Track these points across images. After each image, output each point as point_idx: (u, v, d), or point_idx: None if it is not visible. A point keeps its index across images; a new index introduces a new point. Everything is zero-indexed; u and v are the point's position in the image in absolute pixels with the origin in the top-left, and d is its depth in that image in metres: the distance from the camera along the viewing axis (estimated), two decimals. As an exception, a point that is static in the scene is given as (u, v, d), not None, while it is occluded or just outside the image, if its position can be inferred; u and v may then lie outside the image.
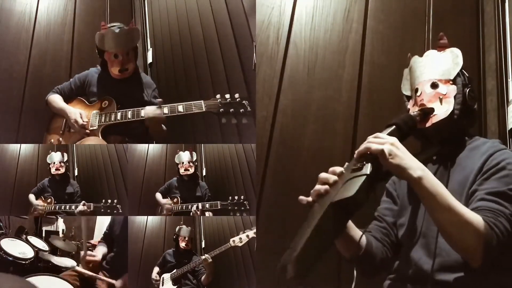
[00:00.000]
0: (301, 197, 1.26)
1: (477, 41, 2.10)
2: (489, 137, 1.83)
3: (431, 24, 2.14)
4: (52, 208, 2.50)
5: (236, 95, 2.07)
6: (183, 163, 2.53)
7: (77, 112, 2.22)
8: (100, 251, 2.41)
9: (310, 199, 1.24)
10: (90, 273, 2.27)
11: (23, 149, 2.76)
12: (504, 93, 1.89)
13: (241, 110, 2.05)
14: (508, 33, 1.94)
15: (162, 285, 2.49)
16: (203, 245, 2.68)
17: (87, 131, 2.19)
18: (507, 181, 1.27)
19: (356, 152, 1.24)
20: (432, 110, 1.43)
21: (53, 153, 2.63)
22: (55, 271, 2.31)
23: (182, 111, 2.09)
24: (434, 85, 1.46)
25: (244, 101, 2.06)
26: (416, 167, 1.20)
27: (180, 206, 2.45)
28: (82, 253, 2.42)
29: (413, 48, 2.06)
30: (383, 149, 1.19)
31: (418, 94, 1.48)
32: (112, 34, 2.19)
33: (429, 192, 1.19)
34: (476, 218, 1.19)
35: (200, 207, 2.37)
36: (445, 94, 1.44)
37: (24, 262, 2.25)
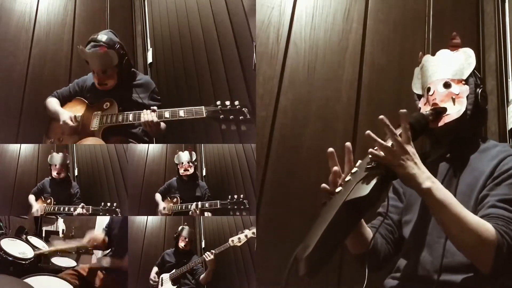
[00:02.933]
0: (324, 185, 1.27)
1: (477, 41, 2.09)
2: (489, 137, 1.83)
3: (431, 24, 2.14)
4: (51, 209, 2.49)
5: (236, 102, 2.08)
6: (182, 163, 2.53)
7: (67, 114, 2.23)
8: (101, 232, 2.42)
9: (327, 187, 1.26)
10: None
11: (23, 149, 2.76)
12: (504, 93, 1.89)
13: (240, 117, 2.07)
14: (508, 33, 1.94)
15: (161, 285, 2.48)
16: (203, 245, 2.68)
17: (77, 132, 2.19)
18: None
19: (369, 152, 1.22)
20: (445, 109, 1.42)
21: (54, 154, 2.62)
22: (55, 271, 2.31)
23: (183, 116, 2.10)
24: (446, 85, 1.46)
25: (244, 109, 2.07)
26: (426, 177, 1.20)
27: (179, 206, 2.45)
28: (86, 236, 2.42)
29: (413, 48, 2.06)
30: (394, 166, 1.19)
31: (431, 93, 1.48)
32: (87, 53, 2.19)
33: (438, 203, 1.19)
34: (486, 227, 1.19)
35: (199, 206, 2.37)
36: (458, 94, 1.44)
37: (24, 262, 2.25)
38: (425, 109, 1.47)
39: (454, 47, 1.53)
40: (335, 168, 1.28)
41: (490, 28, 2.06)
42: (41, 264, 2.40)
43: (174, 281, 2.47)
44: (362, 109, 2.08)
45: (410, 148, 1.21)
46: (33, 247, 2.42)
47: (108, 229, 2.50)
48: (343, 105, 2.10)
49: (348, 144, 1.28)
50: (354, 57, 2.15)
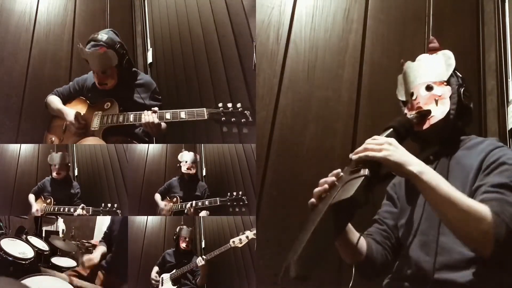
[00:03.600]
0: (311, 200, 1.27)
1: (477, 41, 2.10)
2: (489, 137, 1.83)
3: (431, 24, 2.14)
4: (51, 209, 2.49)
5: (238, 105, 2.08)
6: (186, 162, 2.53)
7: (73, 113, 2.22)
8: (99, 252, 2.42)
9: (314, 201, 1.26)
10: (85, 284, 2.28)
11: (23, 149, 2.76)
12: (504, 93, 1.89)
13: (242, 120, 2.07)
14: (508, 33, 1.94)
15: (162, 285, 2.49)
16: (203, 245, 2.68)
17: (83, 131, 2.19)
18: (508, 174, 1.28)
19: (352, 157, 1.26)
20: (429, 112, 1.44)
21: (53, 153, 2.60)
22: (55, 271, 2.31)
23: (184, 117, 2.10)
24: (429, 88, 1.49)
25: (245, 111, 2.08)
26: (415, 163, 1.22)
27: (179, 205, 2.45)
28: (84, 258, 2.42)
29: (413, 48, 2.06)
30: (381, 157, 1.21)
31: (414, 98, 1.50)
32: (86, 52, 2.17)
33: (430, 186, 1.20)
34: (481, 207, 1.18)
35: (193, 204, 2.38)
36: (440, 96, 1.46)
37: (24, 262, 2.25)
38: (410, 114, 1.48)
39: (433, 51, 1.56)
40: (326, 186, 1.27)
41: (490, 28, 2.06)
42: (41, 264, 2.40)
43: (174, 281, 2.48)
44: (362, 109, 2.08)
45: (388, 138, 1.26)
46: (33, 247, 2.42)
47: (109, 230, 2.50)
48: (343, 105, 2.10)
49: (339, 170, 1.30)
50: (354, 57, 2.15)
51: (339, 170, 1.29)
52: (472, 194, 1.30)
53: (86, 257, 2.39)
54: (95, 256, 2.39)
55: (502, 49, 1.95)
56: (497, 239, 1.16)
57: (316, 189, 1.27)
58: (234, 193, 2.34)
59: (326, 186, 1.25)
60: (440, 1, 2.17)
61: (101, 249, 2.44)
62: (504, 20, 1.97)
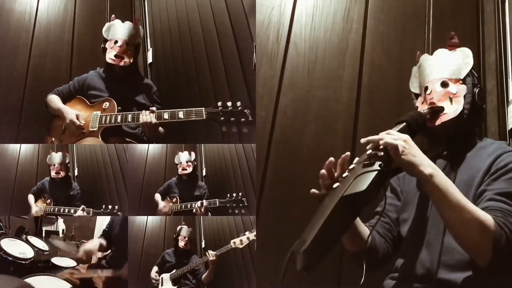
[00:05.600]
0: (313, 190, 1.25)
1: (477, 41, 2.10)
2: (489, 137, 1.83)
3: (431, 24, 2.14)
4: (51, 210, 2.49)
5: (238, 103, 2.07)
6: (181, 163, 2.53)
7: (73, 113, 2.23)
8: (97, 241, 2.40)
9: (321, 192, 1.25)
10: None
11: (23, 149, 2.76)
12: (504, 93, 1.89)
13: (242, 119, 2.06)
14: (508, 33, 1.94)
15: (162, 285, 2.48)
16: (203, 245, 2.68)
17: (84, 131, 2.20)
18: None
19: (367, 140, 1.24)
20: (442, 109, 1.43)
21: (53, 153, 2.61)
22: (55, 271, 2.31)
23: (182, 117, 2.09)
24: (444, 84, 1.47)
25: (245, 110, 2.06)
26: (427, 165, 1.22)
27: (179, 206, 2.45)
28: (80, 250, 2.42)
29: (413, 48, 2.05)
30: (397, 145, 1.20)
31: (428, 92, 1.48)
32: (118, 24, 2.32)
33: (439, 190, 1.20)
34: (485, 217, 1.19)
35: (204, 204, 2.37)
36: (455, 94, 1.45)
37: (24, 262, 2.25)
38: (422, 108, 1.48)
39: (452, 47, 1.54)
40: (322, 171, 1.27)
41: (490, 28, 2.06)
42: (41, 264, 2.39)
43: (174, 281, 2.47)
44: (362, 109, 2.09)
45: (403, 135, 1.24)
46: (33, 247, 2.42)
47: (109, 229, 2.50)
48: (343, 105, 2.10)
49: (348, 154, 1.29)
50: (354, 57, 2.15)
51: (348, 154, 1.28)
52: (477, 197, 1.31)
53: (83, 248, 2.39)
54: (93, 245, 2.38)
55: (502, 49, 1.95)
56: (496, 250, 1.17)
57: (322, 173, 1.26)
58: (234, 194, 2.33)
59: (322, 171, 1.25)
60: (440, 1, 2.17)
61: (99, 240, 2.43)
62: (504, 20, 1.97)
